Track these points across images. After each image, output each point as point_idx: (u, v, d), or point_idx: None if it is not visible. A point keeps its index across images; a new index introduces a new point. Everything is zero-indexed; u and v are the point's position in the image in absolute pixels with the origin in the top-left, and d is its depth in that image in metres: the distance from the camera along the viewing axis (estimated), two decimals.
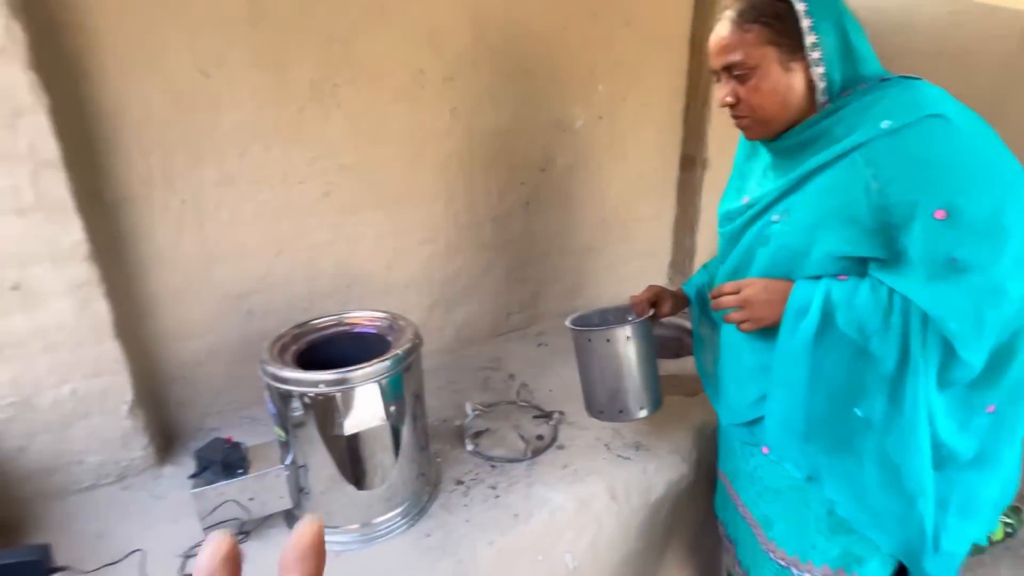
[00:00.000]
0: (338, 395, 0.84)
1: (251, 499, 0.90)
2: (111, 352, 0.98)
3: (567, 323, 1.04)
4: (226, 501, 0.89)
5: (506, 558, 0.92)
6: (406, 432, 0.94)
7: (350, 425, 0.85)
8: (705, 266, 1.11)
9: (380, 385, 0.87)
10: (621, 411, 1.02)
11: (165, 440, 1.14)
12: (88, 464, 1.01)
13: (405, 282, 1.44)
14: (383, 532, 0.94)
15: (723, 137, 1.81)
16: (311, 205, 1.23)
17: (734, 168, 0.95)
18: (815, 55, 0.73)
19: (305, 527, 0.24)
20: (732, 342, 0.94)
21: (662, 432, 1.22)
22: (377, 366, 0.86)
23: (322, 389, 0.83)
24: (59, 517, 0.96)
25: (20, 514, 0.95)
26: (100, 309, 0.95)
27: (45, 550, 0.77)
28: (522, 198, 1.59)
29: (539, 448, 1.17)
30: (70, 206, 0.89)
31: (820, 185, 0.75)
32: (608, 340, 0.98)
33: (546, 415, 1.28)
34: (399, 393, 0.91)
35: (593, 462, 1.13)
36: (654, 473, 1.13)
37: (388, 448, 0.92)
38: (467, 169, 1.44)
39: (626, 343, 0.98)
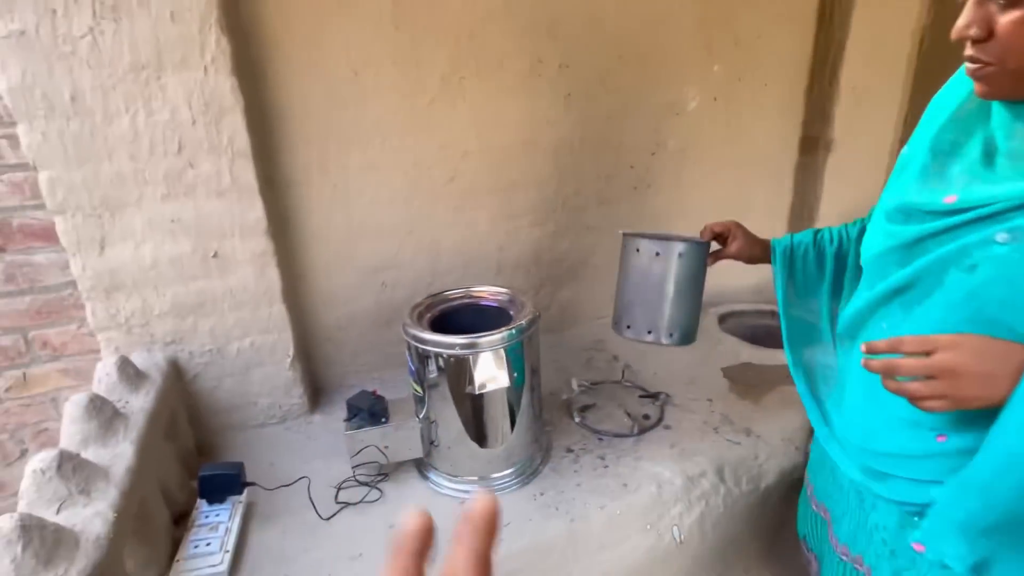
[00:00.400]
0: (469, 357, 0.93)
1: (388, 446, 1.04)
2: (279, 313, 1.16)
3: (619, 231, 0.97)
4: (368, 446, 1.03)
5: (616, 523, 0.98)
6: (524, 398, 1.02)
7: (478, 385, 0.95)
8: (820, 232, 0.89)
9: (505, 351, 0.95)
10: (650, 331, 0.96)
11: (315, 392, 1.33)
12: (260, 405, 1.21)
13: (515, 262, 1.53)
14: (500, 486, 1.03)
15: (851, 116, 1.69)
16: (438, 189, 1.35)
17: (918, 143, 0.66)
18: None
19: (480, 502, 0.23)
20: (873, 380, 0.64)
21: (775, 420, 1.20)
22: (504, 333, 0.94)
23: (456, 351, 0.93)
24: (240, 446, 1.16)
25: (213, 440, 1.17)
26: (272, 276, 1.13)
27: (241, 467, 0.95)
28: (631, 182, 1.60)
29: (645, 426, 1.20)
30: (255, 189, 1.06)
31: None
32: (658, 253, 0.92)
33: (652, 396, 1.31)
34: (520, 361, 0.99)
35: (701, 443, 1.14)
36: (765, 460, 1.12)
37: (508, 411, 1.00)
38: (577, 154, 1.48)
39: (677, 260, 0.92)
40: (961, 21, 0.55)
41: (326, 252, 1.28)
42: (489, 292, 1.11)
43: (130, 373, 0.95)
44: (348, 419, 1.02)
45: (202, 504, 0.93)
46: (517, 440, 1.03)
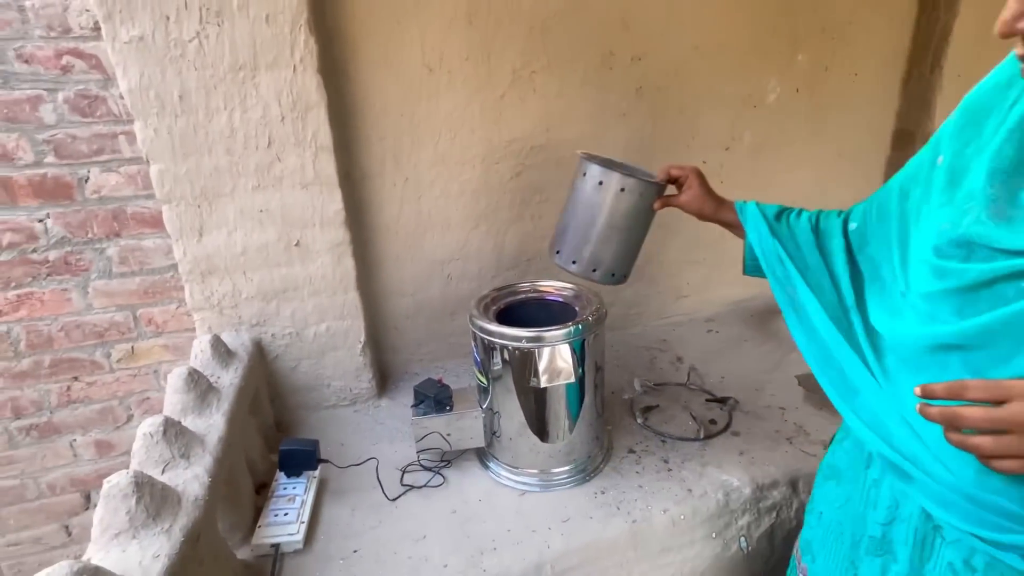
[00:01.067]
0: (535, 351, 0.94)
1: (451, 434, 1.06)
2: (352, 301, 1.22)
3: (578, 151, 0.92)
4: (433, 432, 1.06)
5: (680, 528, 0.95)
6: (587, 394, 1.01)
7: (542, 379, 0.95)
8: (791, 211, 0.75)
9: (571, 346, 0.95)
10: (574, 261, 0.93)
11: (382, 377, 1.38)
12: (332, 388, 1.27)
13: None
14: (560, 481, 1.03)
15: (955, 107, 1.53)
16: (504, 184, 1.36)
17: (964, 155, 0.53)
18: None
19: None
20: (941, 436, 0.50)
21: None
22: (569, 328, 0.94)
23: (521, 344, 0.94)
24: (314, 424, 1.23)
25: (290, 418, 1.25)
26: (348, 265, 1.19)
27: (316, 444, 1.01)
28: None
29: (712, 431, 1.16)
30: (335, 182, 1.12)
31: None
32: (600, 182, 0.88)
33: (719, 400, 1.26)
34: (585, 357, 0.98)
35: (772, 453, 1.08)
36: None
37: (571, 406, 1.00)
38: (648, 148, 1.45)
39: (617, 193, 0.87)
40: (1007, 11, 0.42)
41: (396, 243, 1.33)
42: (555, 287, 1.11)
43: (221, 351, 1.03)
44: (415, 405, 1.05)
45: (280, 476, 0.99)
46: (579, 436, 1.03)
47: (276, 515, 0.91)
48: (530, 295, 1.11)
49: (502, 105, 1.29)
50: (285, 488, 0.97)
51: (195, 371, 0.90)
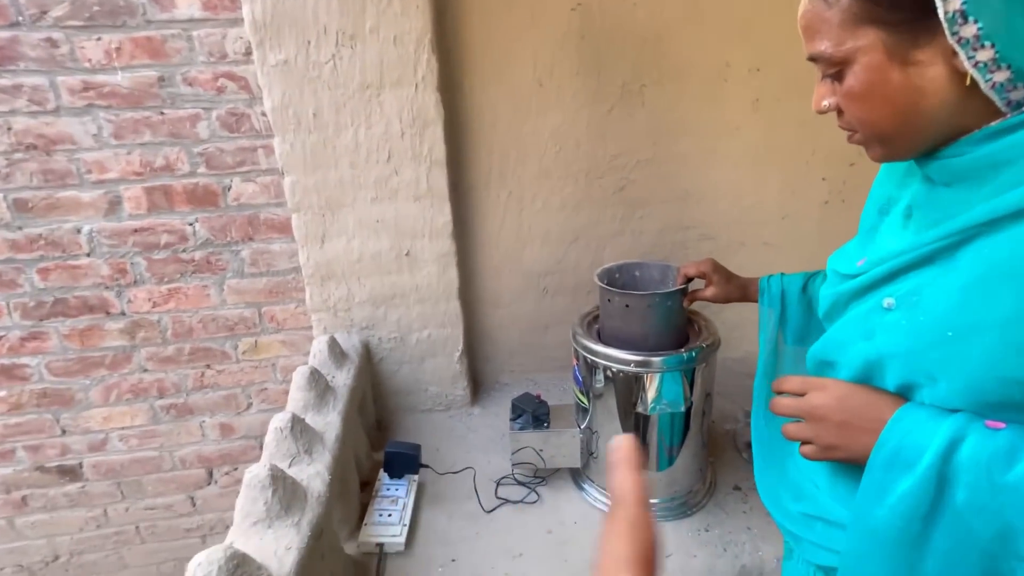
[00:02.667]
0: (644, 376, 0.91)
1: (547, 451, 1.05)
2: (454, 310, 1.25)
3: (595, 276, 0.97)
4: (528, 447, 1.05)
5: None
6: (694, 424, 0.96)
7: (650, 405, 0.92)
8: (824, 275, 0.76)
9: (681, 373, 0.90)
10: (623, 347, 0.94)
11: (475, 386, 1.41)
12: (430, 392, 1.31)
13: None
14: (660, 513, 0.99)
15: None
16: (606, 198, 1.34)
17: (868, 200, 0.62)
18: (968, 31, 0.41)
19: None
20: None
21: None
22: (682, 355, 0.90)
23: (628, 368, 0.91)
24: (411, 427, 1.28)
25: (389, 419, 1.31)
26: (452, 275, 1.22)
27: (419, 449, 1.05)
28: (820, 196, 1.43)
29: None
30: (445, 195, 1.15)
31: (989, 258, 0.43)
32: (627, 305, 0.92)
33: None
34: (694, 385, 0.93)
35: None
36: None
37: (676, 436, 0.95)
38: (762, 163, 1.36)
39: (646, 310, 0.91)
40: (815, 94, 0.52)
41: (496, 255, 1.35)
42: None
43: (336, 352, 1.10)
44: (513, 419, 1.06)
45: (384, 476, 1.04)
46: (682, 467, 0.98)
47: (380, 515, 0.95)
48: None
49: (609, 119, 1.27)
50: (388, 489, 1.01)
51: (316, 371, 0.96)
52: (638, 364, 0.90)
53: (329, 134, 1.08)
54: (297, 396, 0.94)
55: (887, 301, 0.49)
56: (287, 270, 1.29)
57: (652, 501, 0.99)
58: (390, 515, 0.95)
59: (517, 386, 1.44)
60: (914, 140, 0.48)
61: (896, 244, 0.51)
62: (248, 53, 1.09)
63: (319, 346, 1.08)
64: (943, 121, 0.46)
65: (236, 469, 1.46)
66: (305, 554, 0.66)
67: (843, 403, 0.51)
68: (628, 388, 0.93)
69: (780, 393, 0.58)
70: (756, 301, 0.88)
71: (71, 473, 1.38)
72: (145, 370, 1.33)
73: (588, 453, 1.04)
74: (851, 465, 0.54)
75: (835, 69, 0.48)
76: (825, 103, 0.51)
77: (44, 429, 1.34)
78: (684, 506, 1.00)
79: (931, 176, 0.50)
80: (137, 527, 1.48)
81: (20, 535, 1.42)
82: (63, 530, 1.43)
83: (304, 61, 1.03)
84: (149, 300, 1.27)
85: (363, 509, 0.98)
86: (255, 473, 0.68)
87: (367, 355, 1.23)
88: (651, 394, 0.91)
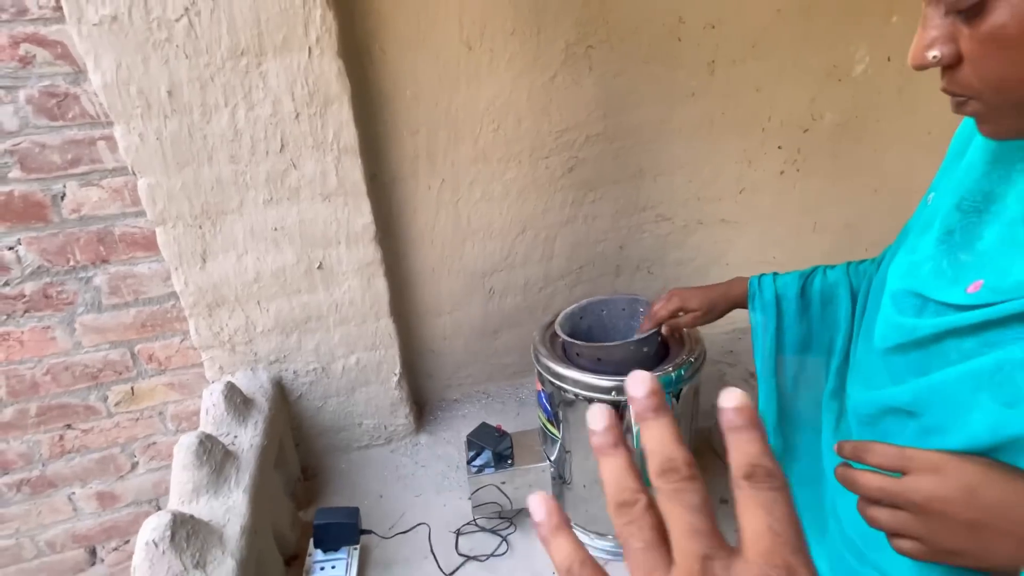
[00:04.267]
0: (621, 403, 0.76)
1: (512, 487, 0.89)
2: (386, 328, 1.04)
3: (557, 327, 0.85)
4: (489, 486, 0.89)
5: None
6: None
7: (633, 438, 0.77)
8: (824, 271, 0.67)
9: (668, 397, 0.77)
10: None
11: (418, 409, 1.21)
12: (365, 426, 1.10)
13: (636, 263, 1.32)
14: None
15: None
16: (554, 181, 1.16)
17: (935, 191, 0.47)
18: None
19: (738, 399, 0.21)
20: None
21: None
22: (668, 376, 0.76)
23: (606, 397, 0.76)
24: (345, 469, 1.07)
25: (317, 463, 1.08)
26: (379, 288, 1.00)
27: (357, 514, 0.84)
28: (776, 166, 1.34)
29: None
30: (363, 191, 0.92)
31: None
32: (599, 359, 0.80)
33: None
34: (680, 399, 0.80)
35: None
36: None
37: None
38: (717, 134, 1.24)
39: (619, 363, 0.79)
40: (917, 40, 0.36)
41: (431, 255, 1.14)
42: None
43: (237, 403, 0.86)
44: (470, 460, 0.88)
45: (316, 552, 0.83)
46: None
47: None
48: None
49: (553, 88, 1.08)
50: (322, 568, 0.81)
51: (207, 438, 0.73)
52: (618, 391, 0.75)
53: (195, 119, 0.81)
54: (183, 479, 0.70)
55: None
56: (162, 296, 1.00)
57: None
58: None
59: (467, 402, 1.27)
60: None
61: None
62: (59, 8, 0.78)
63: (211, 399, 0.84)
64: None
65: (127, 542, 1.18)
66: None
67: (974, 497, 0.36)
68: None
69: (852, 460, 0.41)
70: (743, 304, 0.75)
71: None
72: None
73: (561, 483, 0.89)
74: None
75: (972, 4, 0.31)
76: (934, 53, 0.34)
77: None
78: None
79: None
80: None
81: None
82: None
83: (143, 18, 0.74)
84: None
85: None
86: None
87: (280, 395, 0.99)
88: (634, 423, 0.76)
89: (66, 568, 1.16)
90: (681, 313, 0.78)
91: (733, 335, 1.46)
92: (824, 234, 1.44)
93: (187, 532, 0.61)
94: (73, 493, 1.10)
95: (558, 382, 0.79)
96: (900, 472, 0.38)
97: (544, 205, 1.18)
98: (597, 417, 0.22)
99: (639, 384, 0.22)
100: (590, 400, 0.77)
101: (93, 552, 1.17)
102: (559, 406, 0.82)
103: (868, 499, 0.40)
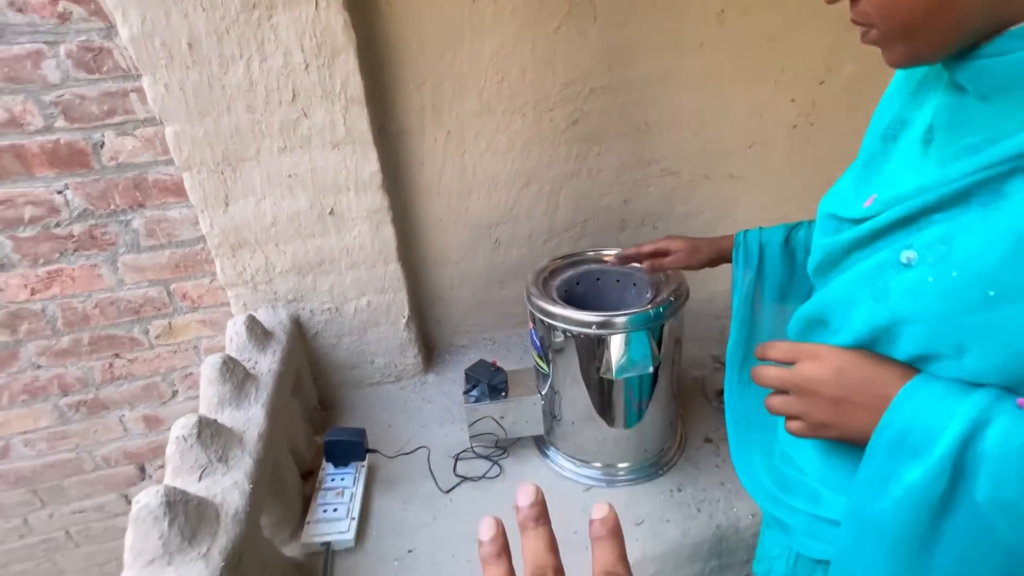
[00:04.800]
0: (608, 338, 0.81)
1: (507, 421, 0.96)
2: (394, 272, 1.11)
3: (554, 292, 0.87)
4: (486, 417, 0.96)
5: None
6: (663, 380, 0.88)
7: (612, 369, 0.82)
8: (811, 223, 0.69)
9: (648, 332, 0.81)
10: None
11: (427, 351, 1.29)
12: (376, 364, 1.19)
13: (641, 217, 1.34)
14: (629, 477, 0.93)
15: None
16: (558, 134, 1.18)
17: (871, 123, 0.50)
18: None
19: (601, 511, 0.26)
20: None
21: None
22: (648, 311, 0.80)
23: (590, 331, 0.81)
24: (359, 403, 1.16)
25: (333, 397, 1.18)
26: (387, 234, 1.07)
27: (363, 434, 0.93)
28: (789, 119, 1.32)
29: None
30: (369, 140, 0.98)
31: None
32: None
33: None
34: (662, 343, 0.84)
35: None
36: None
37: (644, 395, 0.88)
38: (727, 87, 1.23)
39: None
40: None
41: (438, 206, 1.20)
42: None
43: (257, 332, 0.95)
44: (467, 391, 0.96)
45: (328, 466, 0.93)
46: (651, 426, 0.91)
47: (325, 511, 0.85)
48: (596, 266, 0.96)
49: (557, 40, 1.09)
50: (333, 479, 0.91)
51: (230, 359, 0.82)
52: (600, 326, 0.80)
53: (213, 70, 0.88)
54: (208, 392, 0.80)
55: (907, 254, 0.39)
56: (193, 239, 1.10)
57: (622, 465, 0.93)
58: (336, 509, 0.85)
59: (474, 348, 1.34)
60: (947, 34, 0.36)
61: (915, 179, 0.41)
62: None
63: (235, 328, 0.93)
64: (986, 6, 0.34)
65: None
66: None
67: (841, 376, 0.43)
68: (590, 351, 0.83)
69: (764, 360, 0.49)
70: (729, 257, 0.78)
71: None
72: (38, 367, 1.14)
73: (552, 418, 0.96)
74: (846, 445, 0.46)
75: None
76: None
77: None
78: (655, 467, 0.94)
79: (963, 84, 0.38)
80: (67, 532, 1.34)
81: None
82: None
83: None
84: (25, 286, 1.06)
85: (307, 503, 0.88)
86: (143, 504, 0.56)
87: (298, 331, 1.08)
88: (616, 357, 0.82)
89: (120, 481, 1.32)
90: (666, 255, 0.82)
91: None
92: None
93: (211, 432, 0.70)
94: (123, 415, 1.24)
95: (548, 319, 0.84)
96: (790, 362, 0.46)
97: (548, 158, 1.20)
98: (483, 528, 0.25)
99: (525, 496, 0.26)
100: (578, 335, 0.82)
101: (142, 469, 1.32)
102: (549, 344, 0.87)
103: (763, 386, 0.48)
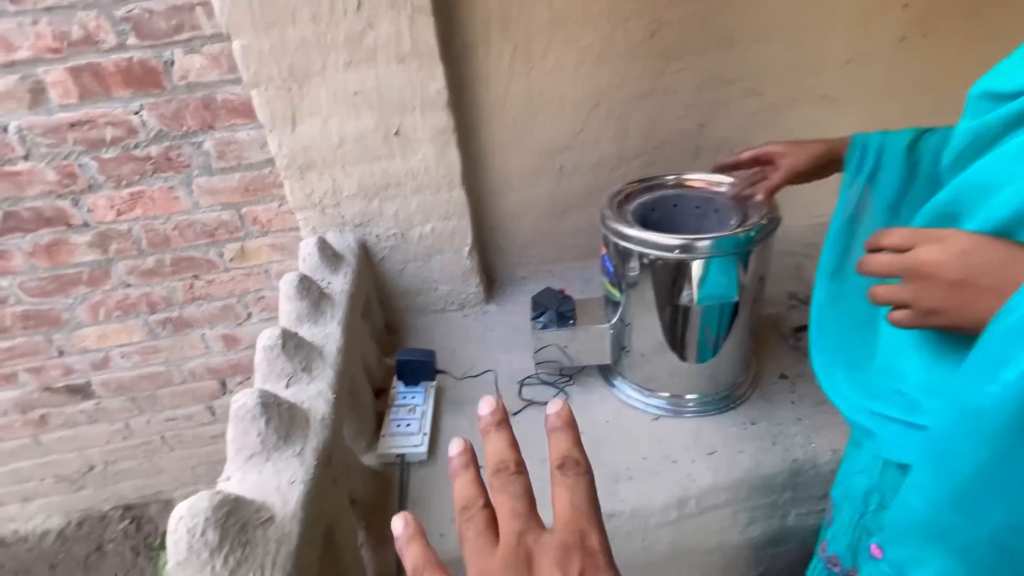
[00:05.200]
0: (691, 263, 0.76)
1: (574, 349, 0.95)
2: (458, 198, 1.09)
3: (629, 216, 0.81)
4: (552, 345, 0.95)
5: None
6: (743, 313, 0.84)
7: (691, 297, 0.79)
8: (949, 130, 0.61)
9: (736, 258, 0.76)
10: None
11: (489, 281, 1.29)
12: (440, 291, 1.20)
13: (718, 144, 1.25)
14: (700, 408, 0.91)
15: None
16: (633, 48, 1.09)
17: None
18: None
19: (559, 406, 0.28)
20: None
21: None
22: (737, 235, 0.75)
23: (671, 255, 0.77)
24: (423, 328, 1.19)
25: (399, 321, 1.21)
26: (452, 157, 1.04)
27: (433, 355, 0.95)
28: (897, 30, 1.16)
29: None
30: (436, 53, 0.93)
31: None
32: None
33: None
34: (747, 271, 0.79)
35: None
36: None
37: (723, 325, 0.84)
38: None
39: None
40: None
41: (502, 130, 1.14)
42: (708, 181, 0.89)
43: (328, 254, 0.96)
44: (534, 317, 0.95)
45: (399, 385, 0.96)
46: (726, 359, 0.88)
47: (399, 425, 0.88)
48: (677, 191, 0.90)
49: None
50: (404, 397, 0.94)
51: (305, 277, 0.83)
52: (683, 249, 0.76)
53: None
54: (288, 308, 0.82)
55: None
56: (261, 162, 1.11)
57: (690, 396, 0.91)
58: (408, 424, 0.89)
59: (535, 280, 1.32)
60: None
61: None
62: None
63: (307, 249, 0.94)
64: None
65: (248, 379, 1.41)
66: (312, 486, 0.58)
67: (965, 259, 0.38)
68: (669, 278, 0.79)
69: (875, 251, 0.45)
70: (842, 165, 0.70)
71: (81, 392, 1.35)
72: (128, 285, 1.21)
73: (619, 348, 0.94)
74: (956, 346, 0.43)
75: None
76: None
77: (39, 351, 1.27)
78: (727, 399, 0.92)
79: None
80: (163, 437, 1.48)
81: (49, 450, 1.43)
82: (90, 444, 1.44)
83: None
84: (112, 207, 1.11)
85: (380, 419, 0.92)
86: (241, 403, 0.58)
87: (365, 255, 1.09)
88: (698, 284, 0.78)
89: (204, 394, 1.43)
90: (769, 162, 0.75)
91: (815, 228, 1.37)
92: (946, 115, 1.26)
93: (294, 344, 0.73)
94: (204, 334, 1.32)
95: (624, 243, 0.81)
96: (906, 249, 0.41)
97: (620, 76, 1.12)
98: (452, 445, 0.28)
99: (486, 405, 0.28)
100: (655, 261, 0.78)
101: (223, 384, 1.42)
102: (623, 271, 0.84)
103: (872, 276, 0.44)
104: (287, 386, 0.70)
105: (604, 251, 0.87)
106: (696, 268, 0.77)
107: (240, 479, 0.57)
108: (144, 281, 1.22)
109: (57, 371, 1.31)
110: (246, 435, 0.58)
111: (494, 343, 1.12)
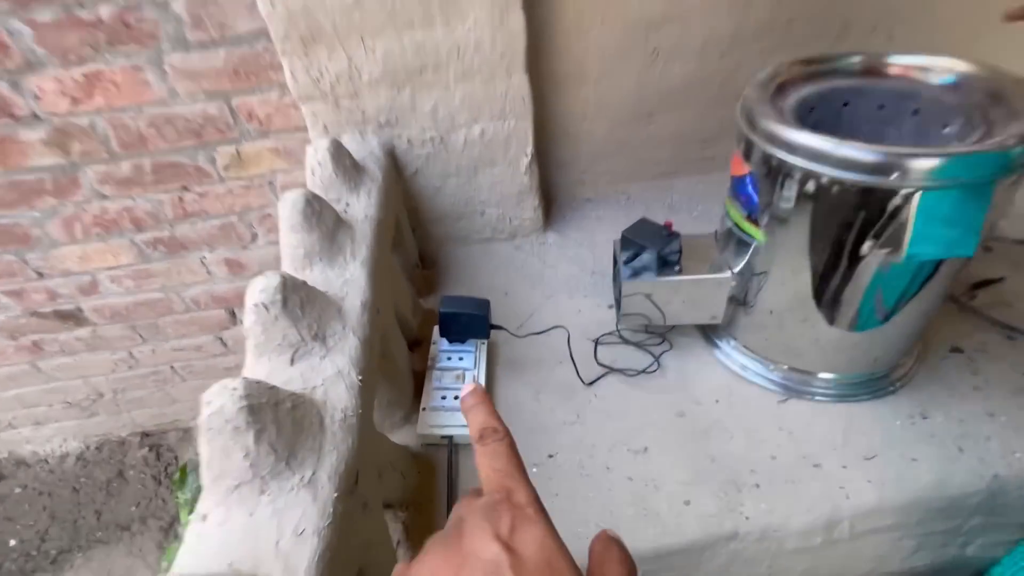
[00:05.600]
0: (895, 192, 0.49)
1: (673, 303, 0.71)
2: (519, 88, 0.79)
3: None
4: (638, 294, 0.71)
5: None
6: (944, 271, 0.57)
7: (902, 244, 0.52)
8: None
9: (988, 189, 0.48)
10: None
11: (546, 203, 1.02)
12: (488, 216, 0.94)
13: (875, 21, 0.90)
14: (848, 391, 0.68)
15: None
16: None
17: None
18: None
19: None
20: None
21: None
22: (990, 155, 0.46)
23: (864, 178, 0.49)
24: (465, 262, 0.95)
25: (435, 252, 0.97)
26: (515, 26, 0.73)
27: (488, 307, 0.72)
28: None
29: None
30: None
31: None
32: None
33: None
34: (983, 212, 0.51)
35: None
36: None
37: (913, 286, 0.58)
38: None
39: None
40: None
41: None
42: (911, 66, 0.59)
43: (346, 164, 0.70)
44: (627, 260, 0.69)
45: (441, 342, 0.74)
46: (899, 328, 0.63)
47: (444, 397, 0.68)
48: (857, 81, 0.60)
49: None
50: (449, 358, 0.72)
51: (315, 198, 0.59)
52: (886, 168, 0.48)
53: None
54: (291, 242, 0.59)
55: None
56: (252, 33, 0.81)
57: (825, 375, 0.67)
58: (456, 397, 0.68)
59: (602, 204, 1.05)
60: None
61: None
62: None
63: (317, 156, 0.68)
64: None
65: None
66: (331, 534, 0.38)
67: None
68: (854, 213, 0.52)
69: None
70: None
71: (73, 318, 1.18)
72: (104, 196, 0.99)
73: (736, 304, 0.69)
74: None
75: None
76: None
77: (15, 272, 1.08)
78: (883, 380, 0.68)
79: None
80: (172, 367, 1.34)
81: (51, 377, 1.30)
82: (94, 372, 1.31)
83: None
84: (64, 94, 0.85)
85: (418, 381, 0.71)
86: (217, 408, 0.37)
87: (394, 167, 0.83)
88: (912, 226, 0.50)
89: (213, 324, 1.25)
90: None
91: None
92: None
93: (300, 299, 0.50)
94: (204, 257, 1.11)
95: (787, 157, 0.53)
96: None
97: None
98: (465, 388, 0.32)
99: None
100: (831, 186, 0.51)
101: (233, 313, 1.24)
102: (774, 199, 0.57)
103: None
104: (292, 362, 0.49)
105: (745, 169, 0.59)
106: (914, 204, 0.49)
107: (221, 522, 0.37)
108: (122, 192, 0.99)
109: (40, 295, 1.13)
110: (227, 457, 0.37)
111: (556, 285, 0.89)
